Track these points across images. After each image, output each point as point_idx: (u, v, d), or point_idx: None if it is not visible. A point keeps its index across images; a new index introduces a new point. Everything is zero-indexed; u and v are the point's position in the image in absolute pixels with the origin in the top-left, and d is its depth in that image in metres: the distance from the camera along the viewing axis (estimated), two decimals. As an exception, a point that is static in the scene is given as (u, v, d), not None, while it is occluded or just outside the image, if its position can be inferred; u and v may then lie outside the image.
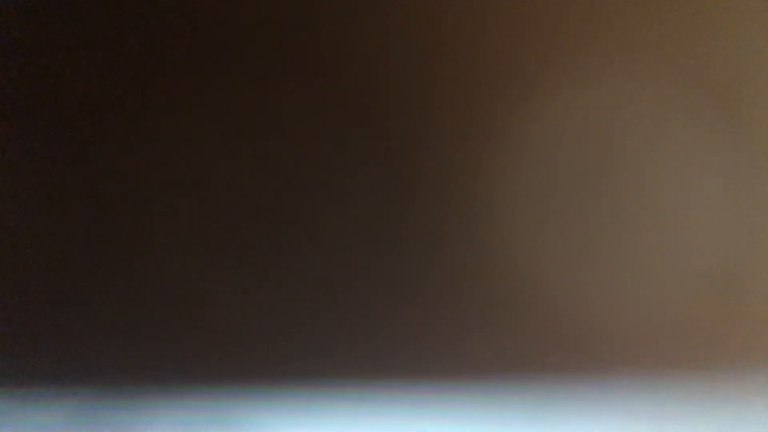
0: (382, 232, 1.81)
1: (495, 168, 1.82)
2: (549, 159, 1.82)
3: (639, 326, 1.81)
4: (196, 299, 1.78)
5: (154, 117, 1.80)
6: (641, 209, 1.82)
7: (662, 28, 1.82)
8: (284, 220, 1.80)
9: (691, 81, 1.82)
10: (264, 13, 1.81)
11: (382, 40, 1.81)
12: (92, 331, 1.77)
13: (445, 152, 1.82)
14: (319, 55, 1.81)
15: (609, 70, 1.82)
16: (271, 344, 1.79)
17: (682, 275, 1.81)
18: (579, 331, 1.80)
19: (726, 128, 1.82)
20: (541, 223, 1.82)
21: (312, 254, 1.80)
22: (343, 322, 1.80)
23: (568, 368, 1.80)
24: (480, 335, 1.80)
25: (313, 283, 1.80)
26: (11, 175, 1.78)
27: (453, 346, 1.81)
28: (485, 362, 1.80)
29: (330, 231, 1.80)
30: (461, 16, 1.82)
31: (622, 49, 1.82)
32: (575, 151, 1.82)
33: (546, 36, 1.82)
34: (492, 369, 1.80)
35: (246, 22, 1.81)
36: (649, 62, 1.83)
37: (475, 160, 1.81)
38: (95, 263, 1.78)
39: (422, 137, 1.82)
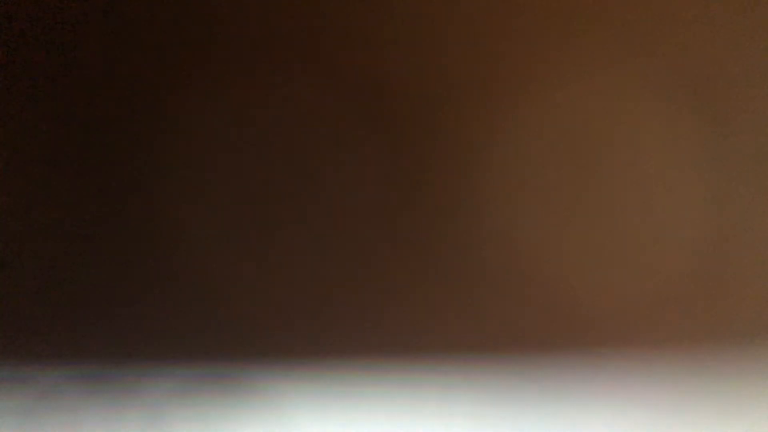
0: (381, 223, 1.81)
1: (484, 162, 1.83)
2: (536, 154, 1.83)
3: (626, 311, 1.81)
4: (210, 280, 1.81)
5: (166, 115, 1.82)
6: (627, 203, 1.83)
7: (649, 31, 1.83)
8: (288, 209, 1.81)
9: (675, 82, 1.83)
10: (265, 14, 1.84)
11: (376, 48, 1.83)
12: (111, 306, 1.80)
13: (436, 149, 1.83)
14: (320, 53, 1.82)
15: (594, 72, 1.82)
16: (275, 325, 1.80)
17: (666, 266, 1.82)
18: (567, 317, 1.80)
19: (708, 127, 1.83)
20: (531, 215, 1.83)
21: (312, 243, 1.82)
22: (344, 308, 1.81)
23: (558, 354, 1.80)
24: (471, 319, 1.80)
25: (314, 267, 1.81)
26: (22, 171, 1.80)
27: (446, 331, 1.81)
28: (478, 345, 1.80)
29: (330, 226, 1.83)
30: (448, 25, 1.83)
31: (609, 52, 1.83)
32: (562, 148, 1.83)
33: (532, 40, 1.83)
34: (484, 351, 1.79)
35: (250, 22, 1.82)
36: (635, 63, 1.84)
37: (465, 157, 1.82)
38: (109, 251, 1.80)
39: (414, 136, 1.82)
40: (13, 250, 1.78)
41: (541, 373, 1.77)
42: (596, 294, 1.81)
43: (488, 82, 1.82)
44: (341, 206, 1.80)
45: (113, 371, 1.73)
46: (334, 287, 1.81)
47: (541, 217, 1.82)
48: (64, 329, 1.77)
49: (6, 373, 1.72)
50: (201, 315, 1.78)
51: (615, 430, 1.74)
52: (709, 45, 1.83)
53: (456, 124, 1.83)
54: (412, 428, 1.73)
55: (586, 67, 1.83)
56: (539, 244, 1.81)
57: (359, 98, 1.81)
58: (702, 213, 1.82)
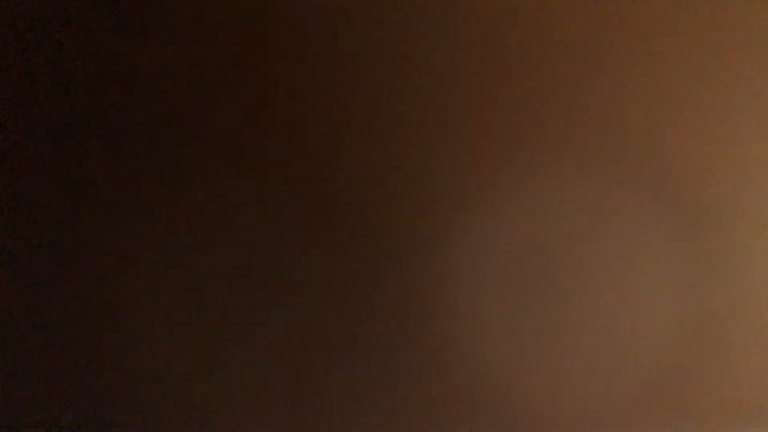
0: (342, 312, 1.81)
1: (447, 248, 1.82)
2: (519, 230, 1.82)
3: (585, 409, 1.81)
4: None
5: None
6: (608, 289, 1.82)
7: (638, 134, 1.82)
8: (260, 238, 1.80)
9: (648, 175, 1.82)
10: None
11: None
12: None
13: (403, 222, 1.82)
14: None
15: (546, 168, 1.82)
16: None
17: (628, 368, 1.81)
18: (550, 411, 1.80)
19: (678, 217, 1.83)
20: (512, 291, 1.81)
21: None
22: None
23: None
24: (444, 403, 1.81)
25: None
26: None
27: (418, 414, 1.81)
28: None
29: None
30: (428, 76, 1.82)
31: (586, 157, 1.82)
32: (544, 229, 1.82)
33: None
34: None
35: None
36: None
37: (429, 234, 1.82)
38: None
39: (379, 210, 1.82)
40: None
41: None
42: (580, 387, 1.80)
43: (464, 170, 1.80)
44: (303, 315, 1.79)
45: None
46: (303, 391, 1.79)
47: (521, 305, 1.80)
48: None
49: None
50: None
51: None
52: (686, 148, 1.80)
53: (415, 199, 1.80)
54: None
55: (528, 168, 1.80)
56: (518, 336, 1.80)
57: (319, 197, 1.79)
58: (686, 301, 1.81)
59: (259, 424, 1.78)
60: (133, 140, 1.79)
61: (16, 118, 1.79)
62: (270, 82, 1.79)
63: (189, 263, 1.78)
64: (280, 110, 1.80)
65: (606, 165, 1.80)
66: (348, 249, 1.79)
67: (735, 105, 1.81)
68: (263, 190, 1.80)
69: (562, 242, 1.80)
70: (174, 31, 1.80)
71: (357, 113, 1.80)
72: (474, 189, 1.81)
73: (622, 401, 1.80)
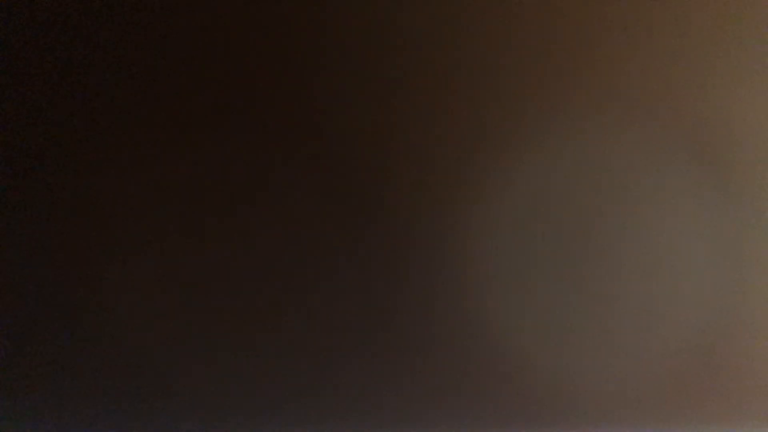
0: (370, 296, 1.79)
1: (476, 228, 1.80)
2: (533, 216, 1.80)
3: (624, 390, 1.78)
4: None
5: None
6: (627, 268, 1.80)
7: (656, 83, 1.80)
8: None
9: (682, 136, 1.80)
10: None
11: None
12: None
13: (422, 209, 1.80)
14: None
15: (594, 123, 1.80)
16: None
17: (669, 339, 1.79)
18: (563, 394, 1.78)
19: (717, 186, 1.80)
20: (526, 281, 1.79)
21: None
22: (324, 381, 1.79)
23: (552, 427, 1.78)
24: (460, 399, 1.78)
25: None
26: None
27: (432, 411, 1.79)
28: (467, 425, 1.78)
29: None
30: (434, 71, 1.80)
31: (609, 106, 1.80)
32: (559, 209, 1.80)
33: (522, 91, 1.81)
34: (471, 427, 1.78)
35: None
36: (639, 116, 1.81)
37: (456, 222, 1.79)
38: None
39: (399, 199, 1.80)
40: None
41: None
42: (593, 376, 1.79)
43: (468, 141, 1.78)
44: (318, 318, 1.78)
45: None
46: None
47: (535, 296, 1.79)
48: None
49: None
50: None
51: None
52: (724, 106, 1.81)
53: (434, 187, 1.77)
54: None
55: (579, 123, 1.78)
56: (533, 329, 1.79)
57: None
58: (708, 292, 1.80)
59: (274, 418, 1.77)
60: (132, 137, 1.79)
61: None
62: (273, 85, 1.79)
63: (196, 257, 1.78)
64: (287, 107, 1.80)
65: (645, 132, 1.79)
66: (366, 237, 1.78)
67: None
68: (272, 185, 1.79)
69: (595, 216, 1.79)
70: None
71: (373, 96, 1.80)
72: (508, 162, 1.80)
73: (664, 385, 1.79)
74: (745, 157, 1.80)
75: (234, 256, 1.77)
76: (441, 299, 1.78)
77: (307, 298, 1.77)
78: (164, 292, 1.77)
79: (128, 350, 1.77)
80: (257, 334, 1.77)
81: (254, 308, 1.77)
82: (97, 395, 1.77)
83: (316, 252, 1.78)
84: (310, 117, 1.78)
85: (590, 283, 1.79)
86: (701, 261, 1.80)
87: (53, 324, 1.77)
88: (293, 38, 1.80)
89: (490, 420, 1.79)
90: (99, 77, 1.79)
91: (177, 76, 1.79)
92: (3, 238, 1.76)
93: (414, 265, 1.78)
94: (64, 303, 1.77)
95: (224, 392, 1.77)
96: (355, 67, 1.79)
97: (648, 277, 1.79)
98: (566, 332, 1.78)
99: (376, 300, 1.78)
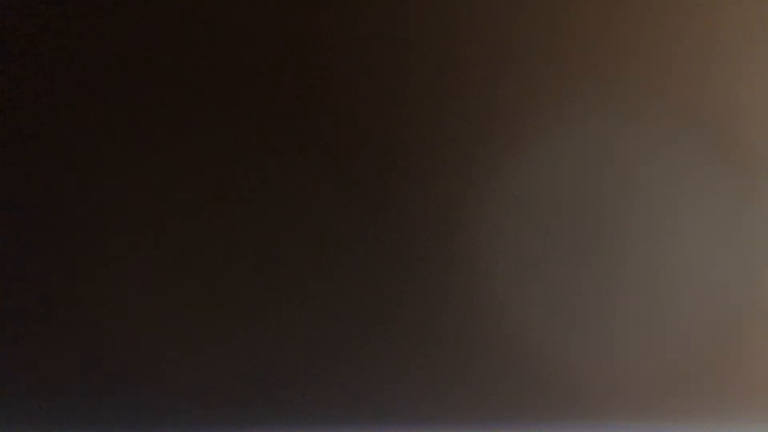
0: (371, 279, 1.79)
1: (481, 216, 1.80)
2: (538, 204, 1.80)
3: (632, 379, 1.77)
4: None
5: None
6: (637, 265, 1.80)
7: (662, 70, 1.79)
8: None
9: (693, 132, 1.80)
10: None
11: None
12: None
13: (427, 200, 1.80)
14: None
15: (603, 115, 1.80)
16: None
17: (679, 326, 1.78)
18: (569, 383, 1.77)
19: (727, 173, 1.79)
20: (532, 268, 1.79)
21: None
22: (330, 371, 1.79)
23: (557, 421, 1.77)
24: (464, 387, 1.77)
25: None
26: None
27: (436, 397, 1.79)
28: (469, 413, 1.78)
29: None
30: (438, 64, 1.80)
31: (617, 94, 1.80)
32: (570, 204, 1.80)
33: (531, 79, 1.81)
34: (477, 421, 1.77)
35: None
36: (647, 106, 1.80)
37: (461, 208, 1.79)
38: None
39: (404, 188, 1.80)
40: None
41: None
42: (604, 372, 1.78)
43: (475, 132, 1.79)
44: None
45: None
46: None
47: (545, 291, 1.79)
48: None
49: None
50: None
51: None
52: (733, 92, 1.80)
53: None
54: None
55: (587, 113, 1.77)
56: (542, 324, 1.78)
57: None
58: (717, 288, 1.79)
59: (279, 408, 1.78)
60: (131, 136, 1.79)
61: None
62: (276, 85, 1.80)
63: (198, 254, 1.78)
64: (288, 104, 1.80)
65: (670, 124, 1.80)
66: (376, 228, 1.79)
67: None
68: (273, 179, 1.80)
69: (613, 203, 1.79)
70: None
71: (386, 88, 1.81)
72: (524, 149, 1.80)
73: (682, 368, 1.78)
74: (757, 153, 1.79)
75: (240, 251, 1.77)
76: (449, 295, 1.78)
77: (314, 293, 1.78)
78: (165, 288, 1.78)
79: (128, 350, 1.77)
80: (264, 332, 1.78)
81: (261, 305, 1.78)
82: (97, 395, 1.77)
83: (324, 248, 1.78)
84: (318, 113, 1.79)
85: (600, 279, 1.79)
86: (711, 258, 1.79)
87: (53, 323, 1.78)
88: (299, 33, 1.81)
89: (498, 414, 1.78)
90: (99, 77, 1.81)
91: (178, 75, 1.80)
92: (3, 238, 1.77)
93: (422, 262, 1.79)
94: (64, 303, 1.78)
95: (232, 390, 1.78)
96: (365, 62, 1.80)
97: (658, 274, 1.79)
98: (575, 327, 1.77)
99: (384, 296, 1.79)
